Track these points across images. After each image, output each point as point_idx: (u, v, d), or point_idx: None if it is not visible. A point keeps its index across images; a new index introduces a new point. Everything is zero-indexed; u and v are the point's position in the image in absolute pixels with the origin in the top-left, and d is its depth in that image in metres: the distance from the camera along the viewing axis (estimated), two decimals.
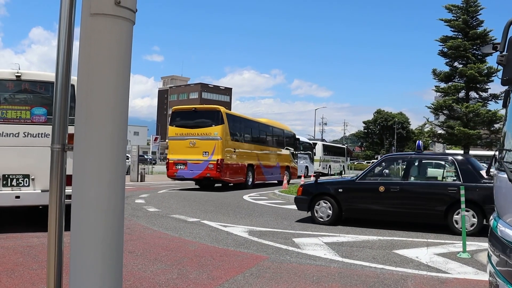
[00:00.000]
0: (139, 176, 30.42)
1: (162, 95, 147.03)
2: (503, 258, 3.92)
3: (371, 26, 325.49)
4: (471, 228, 10.55)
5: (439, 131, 20.08)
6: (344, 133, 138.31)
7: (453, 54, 18.57)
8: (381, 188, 11.41)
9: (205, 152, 21.59)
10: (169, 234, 10.10)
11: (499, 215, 4.53)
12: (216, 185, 24.89)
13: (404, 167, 12.18)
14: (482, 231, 10.45)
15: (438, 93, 19.82)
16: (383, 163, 12.56)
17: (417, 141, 12.45)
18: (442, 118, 20.54)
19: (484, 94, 18.86)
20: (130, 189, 22.66)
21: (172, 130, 22.90)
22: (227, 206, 15.69)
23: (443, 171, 12.29)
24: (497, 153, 4.68)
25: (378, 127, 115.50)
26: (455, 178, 11.16)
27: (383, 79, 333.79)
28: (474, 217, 10.60)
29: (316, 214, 12.24)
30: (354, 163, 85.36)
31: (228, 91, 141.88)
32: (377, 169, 12.35)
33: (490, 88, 18.86)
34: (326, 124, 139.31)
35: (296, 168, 32.83)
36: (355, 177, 12.42)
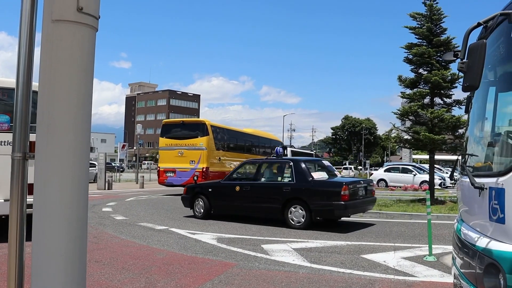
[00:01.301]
0: (106, 184, 30.13)
1: (130, 102, 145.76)
2: (466, 261, 3.98)
3: (339, 33, 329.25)
4: (300, 224, 12.26)
5: (406, 137, 20.42)
6: (313, 139, 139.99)
7: (418, 61, 18.91)
8: (237, 188, 13.57)
9: (192, 161, 23.38)
10: (137, 242, 10.01)
11: (462, 219, 4.64)
12: None
13: (255, 170, 14.25)
14: (310, 225, 12.22)
15: (404, 99, 20.18)
16: (243, 167, 14.71)
17: (276, 148, 14.57)
18: (408, 123, 20.92)
19: (448, 100, 19.26)
20: (97, 197, 22.42)
21: (162, 141, 25.02)
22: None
23: (283, 173, 13.70)
24: (460, 157, 4.79)
25: (346, 133, 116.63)
26: (290, 179, 12.80)
27: (351, 86, 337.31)
28: (303, 213, 12.28)
29: (196, 210, 14.49)
30: None
31: (196, 97, 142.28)
32: (239, 172, 14.46)
33: (454, 94, 19.22)
34: (294, 130, 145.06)
35: None
36: (223, 179, 14.70)
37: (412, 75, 19.26)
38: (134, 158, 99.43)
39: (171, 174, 24.11)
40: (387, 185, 32.38)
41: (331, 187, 11.85)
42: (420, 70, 19.24)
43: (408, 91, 19.19)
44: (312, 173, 12.51)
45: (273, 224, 13.08)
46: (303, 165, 12.65)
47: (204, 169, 23.20)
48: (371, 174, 35.41)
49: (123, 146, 46.75)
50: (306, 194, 12.19)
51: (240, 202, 13.52)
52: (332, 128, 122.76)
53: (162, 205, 18.62)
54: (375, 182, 32.99)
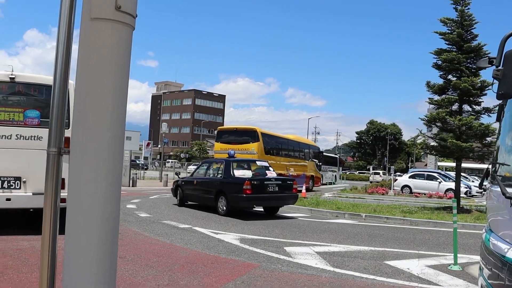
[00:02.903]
0: (131, 181, 30.53)
1: (156, 100, 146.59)
2: (495, 272, 3.92)
3: (367, 38, 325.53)
4: (223, 212, 15.03)
5: (432, 143, 20.12)
6: (337, 143, 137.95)
7: (447, 67, 18.61)
8: (194, 182, 17.12)
9: None
10: (160, 240, 10.08)
11: (492, 229, 4.55)
12: None
13: (206, 168, 17.44)
14: (231, 213, 15.00)
15: (432, 105, 19.88)
16: (202, 165, 17.99)
17: (229, 150, 17.82)
18: (435, 130, 20.61)
19: (477, 108, 18.89)
20: (121, 194, 22.39)
21: (217, 146, 27.55)
22: (220, 213, 15.62)
23: (218, 171, 16.37)
24: (490, 166, 4.70)
25: (371, 137, 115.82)
26: (221, 175, 15.67)
27: (377, 90, 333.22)
28: (225, 203, 15.07)
29: (177, 198, 17.98)
30: (346, 173, 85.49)
31: (221, 98, 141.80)
32: (199, 169, 17.81)
33: (483, 101, 18.82)
34: (319, 133, 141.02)
35: (320, 177, 38.70)
36: (190, 175, 18.33)
37: (440, 81, 18.98)
38: (158, 156, 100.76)
39: None
40: (411, 192, 31.96)
41: (238, 182, 14.37)
42: (449, 76, 18.94)
43: (436, 97, 18.92)
44: (234, 171, 15.23)
45: (296, 227, 13.11)
46: (229, 165, 15.49)
47: None
48: (395, 180, 35.27)
49: (148, 144, 47.19)
50: (226, 188, 15.10)
51: (195, 193, 16.95)
52: (356, 132, 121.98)
53: (186, 203, 18.76)
54: (399, 189, 33.55)
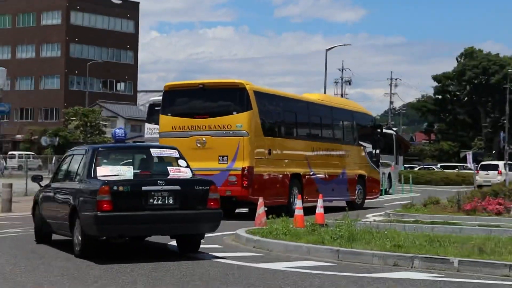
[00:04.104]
0: None
1: None
2: None
3: None
4: (78, 249, 9.56)
5: None
6: (391, 103, 78.69)
7: None
8: (52, 194, 10.93)
9: (223, 156, 15.59)
10: None
11: None
12: (238, 210, 17.17)
13: (67, 165, 10.91)
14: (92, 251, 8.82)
15: None
16: (65, 160, 11.24)
17: (114, 130, 10.74)
18: None
19: None
20: None
21: (166, 121, 16.29)
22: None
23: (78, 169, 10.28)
24: None
25: (468, 87, 66.88)
26: (79, 178, 9.67)
27: None
28: (80, 230, 9.56)
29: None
30: (414, 167, 52.93)
31: (130, 8, 76.30)
32: (60, 169, 11.08)
33: None
34: (349, 83, 75.21)
35: (378, 179, 22.61)
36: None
37: None
38: None
39: None
40: None
41: (90, 190, 8.71)
42: None
43: None
44: (97, 169, 9.37)
45: None
46: (92, 156, 9.67)
47: (246, 171, 15.38)
48: None
49: None
50: (78, 201, 9.44)
51: (51, 214, 11.20)
52: (435, 78, 69.30)
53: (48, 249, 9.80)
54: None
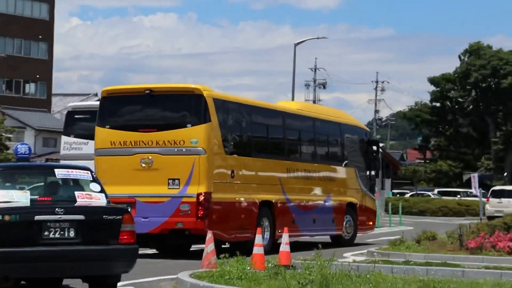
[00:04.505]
0: None
1: None
2: None
3: None
4: None
5: None
6: (376, 112, 79.29)
7: None
8: None
9: (173, 179, 16.16)
10: None
11: None
12: (194, 246, 17.81)
13: None
14: None
15: None
16: None
17: (16, 146, 11.45)
18: None
19: None
20: None
21: (103, 135, 16.68)
22: None
23: None
24: None
25: (474, 92, 67.85)
26: None
27: None
28: None
29: None
30: (405, 194, 54.26)
31: None
32: None
33: None
34: (324, 86, 79.26)
35: (373, 209, 23.35)
36: None
37: None
38: None
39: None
40: None
41: None
42: None
43: None
44: None
45: None
46: None
47: (202, 197, 15.82)
48: None
49: None
50: None
51: None
52: (432, 81, 69.43)
53: None
54: None
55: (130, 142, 16.28)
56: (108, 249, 9.17)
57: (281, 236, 16.38)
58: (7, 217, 8.63)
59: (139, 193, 16.11)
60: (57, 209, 9.00)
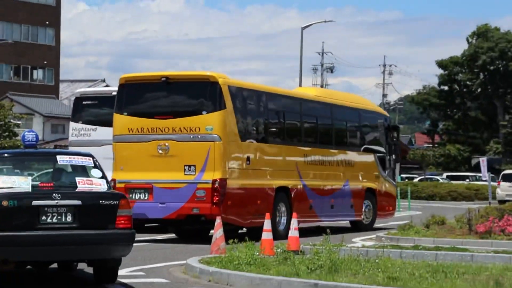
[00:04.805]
0: None
1: None
2: None
3: None
4: None
5: None
6: (384, 96, 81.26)
7: None
8: None
9: (189, 166, 16.34)
10: None
11: None
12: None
13: None
14: None
15: None
16: None
17: (23, 132, 11.74)
18: None
19: None
20: None
21: (121, 122, 16.87)
22: None
23: None
24: None
25: (482, 75, 67.72)
26: None
27: None
28: None
29: None
30: (413, 178, 55.04)
31: None
32: None
33: None
34: (332, 70, 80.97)
35: (392, 193, 23.44)
36: None
37: None
38: None
39: (141, 196, 16.59)
40: None
41: None
42: None
43: None
44: None
45: None
46: None
47: (217, 184, 15.96)
48: None
49: None
50: None
51: None
52: (440, 64, 68.91)
53: None
54: None
55: (147, 129, 16.61)
56: (104, 234, 9.39)
57: (302, 220, 17.10)
58: (5, 202, 8.80)
59: (156, 179, 16.46)
60: (54, 194, 9.22)
